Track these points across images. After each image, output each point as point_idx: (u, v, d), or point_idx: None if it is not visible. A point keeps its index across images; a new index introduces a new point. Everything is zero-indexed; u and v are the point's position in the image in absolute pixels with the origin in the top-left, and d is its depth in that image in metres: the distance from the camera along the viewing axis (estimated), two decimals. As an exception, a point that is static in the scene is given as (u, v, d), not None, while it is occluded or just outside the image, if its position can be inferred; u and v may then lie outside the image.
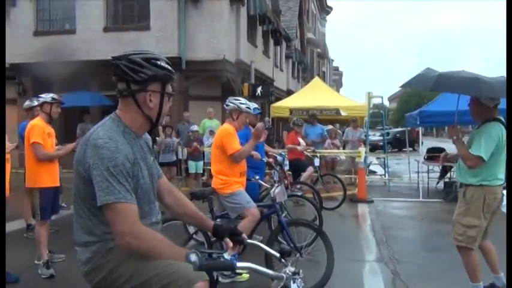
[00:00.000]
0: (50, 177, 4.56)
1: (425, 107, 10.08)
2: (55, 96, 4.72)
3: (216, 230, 2.06)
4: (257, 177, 4.67)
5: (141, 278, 1.74)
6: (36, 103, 4.90)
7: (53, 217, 4.81)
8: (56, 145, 4.81)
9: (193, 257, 1.72)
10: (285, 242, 4.16)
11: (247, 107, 4.32)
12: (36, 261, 4.48)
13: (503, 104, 3.56)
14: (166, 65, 1.88)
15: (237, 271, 3.98)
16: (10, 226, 5.70)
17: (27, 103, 5.60)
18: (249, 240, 2.08)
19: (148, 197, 1.89)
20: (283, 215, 5.05)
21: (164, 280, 1.71)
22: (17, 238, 5.65)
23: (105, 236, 1.78)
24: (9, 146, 4.01)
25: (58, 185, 4.69)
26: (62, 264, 4.56)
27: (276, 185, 4.55)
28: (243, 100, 4.37)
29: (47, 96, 4.64)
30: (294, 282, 1.67)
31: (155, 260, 1.74)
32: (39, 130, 4.47)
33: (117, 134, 1.79)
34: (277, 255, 1.88)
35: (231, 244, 2.01)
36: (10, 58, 12.52)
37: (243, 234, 2.06)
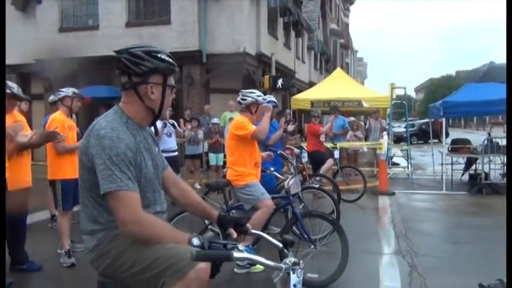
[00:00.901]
0: (71, 169, 4.64)
1: (449, 98, 9.80)
2: (76, 90, 4.84)
3: (220, 220, 2.08)
4: (272, 168, 4.65)
5: (143, 263, 1.77)
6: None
7: (75, 208, 4.94)
8: (77, 137, 4.93)
9: (196, 241, 1.74)
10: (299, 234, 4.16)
11: (263, 98, 4.37)
12: (58, 251, 4.63)
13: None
14: (167, 58, 1.91)
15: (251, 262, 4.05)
16: (35, 217, 5.92)
17: (51, 97, 5.75)
18: (253, 231, 2.09)
19: (152, 186, 1.92)
20: (301, 206, 5.03)
21: (165, 263, 1.73)
22: (42, 228, 5.85)
23: (110, 224, 1.82)
24: (22, 135, 4.07)
25: (79, 176, 4.79)
26: (83, 254, 4.67)
27: (290, 176, 4.53)
28: (257, 92, 4.39)
29: (68, 91, 4.76)
30: (293, 272, 1.65)
31: (157, 245, 1.77)
32: (59, 123, 4.57)
33: (119, 124, 1.83)
34: (280, 245, 1.88)
35: (235, 234, 2.03)
36: (36, 54, 12.91)
37: (247, 224, 2.07)
